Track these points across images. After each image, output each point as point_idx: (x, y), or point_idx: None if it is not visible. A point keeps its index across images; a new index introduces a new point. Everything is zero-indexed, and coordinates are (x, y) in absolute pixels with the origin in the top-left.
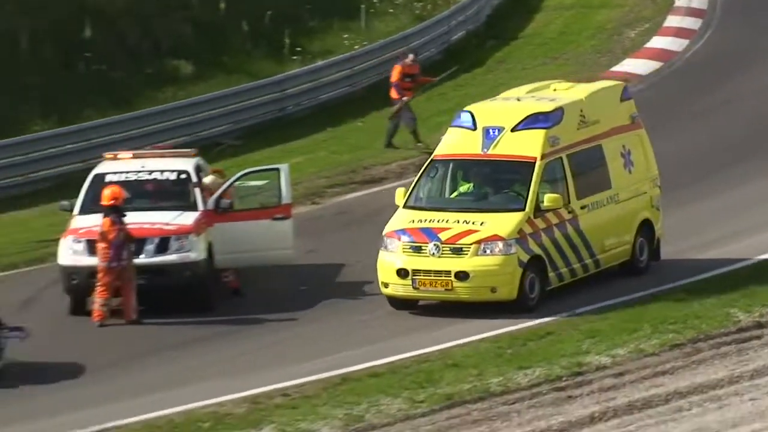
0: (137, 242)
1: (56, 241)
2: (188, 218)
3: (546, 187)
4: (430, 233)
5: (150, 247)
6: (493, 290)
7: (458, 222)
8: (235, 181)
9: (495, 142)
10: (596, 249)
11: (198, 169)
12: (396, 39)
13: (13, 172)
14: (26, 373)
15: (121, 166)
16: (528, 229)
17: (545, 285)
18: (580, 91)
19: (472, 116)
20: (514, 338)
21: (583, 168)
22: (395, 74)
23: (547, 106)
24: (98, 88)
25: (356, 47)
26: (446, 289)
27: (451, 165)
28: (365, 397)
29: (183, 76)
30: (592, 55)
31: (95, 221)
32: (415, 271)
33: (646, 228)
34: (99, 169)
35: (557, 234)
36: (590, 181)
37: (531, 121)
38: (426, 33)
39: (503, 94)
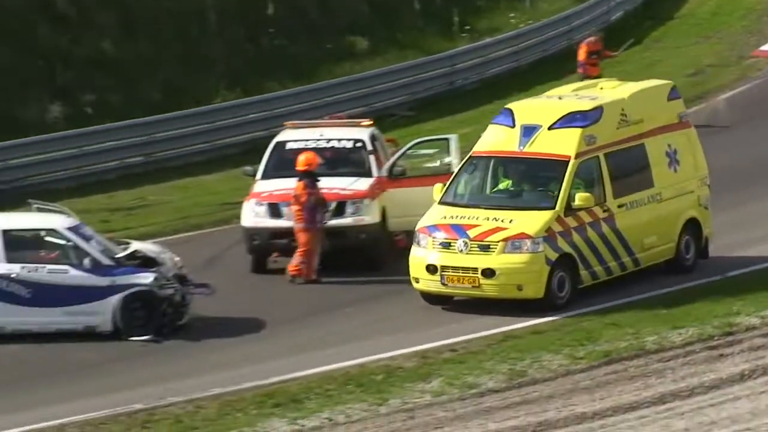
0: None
1: (239, 204)
2: (363, 184)
3: (581, 185)
4: (460, 230)
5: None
6: (520, 288)
7: (488, 219)
8: (408, 149)
9: (531, 140)
10: (635, 247)
11: (373, 138)
12: (558, 18)
13: (200, 139)
14: (209, 328)
15: (301, 134)
16: (557, 228)
17: (577, 283)
18: (624, 90)
19: (512, 114)
20: (667, 299)
21: (623, 167)
22: (582, 53)
23: (586, 105)
24: (280, 62)
25: (521, 26)
26: (473, 286)
27: (488, 162)
28: (528, 353)
29: (359, 51)
30: (743, 36)
31: (277, 185)
32: (444, 267)
33: (692, 227)
34: (281, 137)
35: (590, 232)
36: (630, 180)
37: (568, 120)
38: (587, 13)
39: (548, 93)
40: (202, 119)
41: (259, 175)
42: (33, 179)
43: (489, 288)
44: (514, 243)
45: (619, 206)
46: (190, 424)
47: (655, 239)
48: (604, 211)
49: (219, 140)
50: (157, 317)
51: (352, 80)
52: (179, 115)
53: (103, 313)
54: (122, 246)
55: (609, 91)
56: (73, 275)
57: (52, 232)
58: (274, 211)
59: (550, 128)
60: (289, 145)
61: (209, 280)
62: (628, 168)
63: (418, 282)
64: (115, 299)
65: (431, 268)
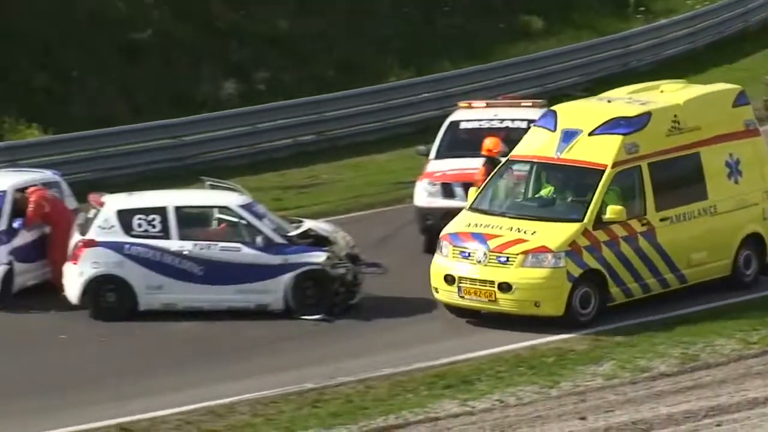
0: None
1: (412, 183)
2: None
3: (617, 196)
4: (481, 239)
5: None
6: (537, 304)
7: (512, 229)
8: None
9: (570, 145)
10: (679, 263)
11: None
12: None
13: (373, 118)
14: (381, 307)
15: (475, 114)
16: (583, 242)
17: (606, 300)
18: (683, 94)
19: (555, 116)
20: None
21: (670, 177)
22: None
23: (632, 110)
24: (454, 41)
25: (698, 7)
26: (489, 300)
27: (522, 167)
28: (701, 337)
29: (534, 30)
30: None
31: (450, 165)
32: (461, 279)
33: (754, 242)
34: (454, 117)
35: (624, 247)
36: (679, 192)
37: (611, 126)
38: None
39: (602, 94)
40: (375, 98)
41: (432, 154)
42: (206, 156)
43: (505, 303)
44: (533, 256)
45: (662, 219)
46: (360, 404)
47: (706, 255)
48: (643, 224)
49: (392, 119)
50: (329, 296)
51: (526, 60)
52: (352, 93)
53: (274, 291)
54: (294, 224)
55: (667, 95)
56: (245, 253)
57: (224, 209)
58: (448, 191)
59: (590, 134)
60: (462, 125)
61: (381, 259)
62: (677, 179)
63: (437, 292)
64: (287, 278)
65: (449, 279)
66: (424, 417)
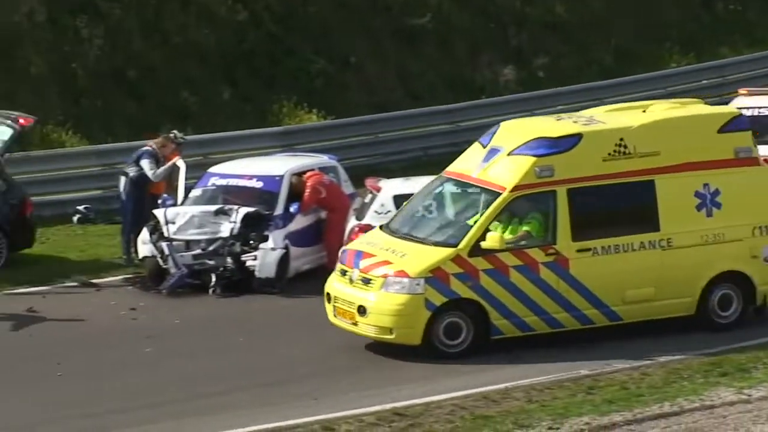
0: None
1: None
2: None
3: (519, 222)
4: (359, 258)
5: None
6: (391, 331)
7: (388, 250)
8: None
9: (488, 164)
10: (607, 299)
11: None
12: None
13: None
14: None
15: (754, 101)
16: (454, 269)
17: (489, 332)
18: (651, 116)
19: (494, 132)
20: None
21: (603, 206)
22: None
23: (560, 131)
24: (734, 27)
25: None
26: (352, 322)
27: (444, 184)
28: None
29: None
30: None
31: None
32: (336, 298)
33: (736, 281)
34: (734, 104)
35: (516, 277)
36: (615, 222)
37: (529, 146)
38: None
39: (582, 112)
40: (653, 84)
41: None
42: None
43: (364, 326)
44: (392, 281)
45: (581, 250)
46: (635, 391)
47: (652, 292)
48: (549, 254)
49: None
50: None
51: None
52: (630, 80)
53: None
54: None
55: (635, 116)
56: None
57: None
58: None
59: (509, 153)
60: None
61: None
62: (614, 207)
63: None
64: None
65: (328, 296)
66: (699, 404)
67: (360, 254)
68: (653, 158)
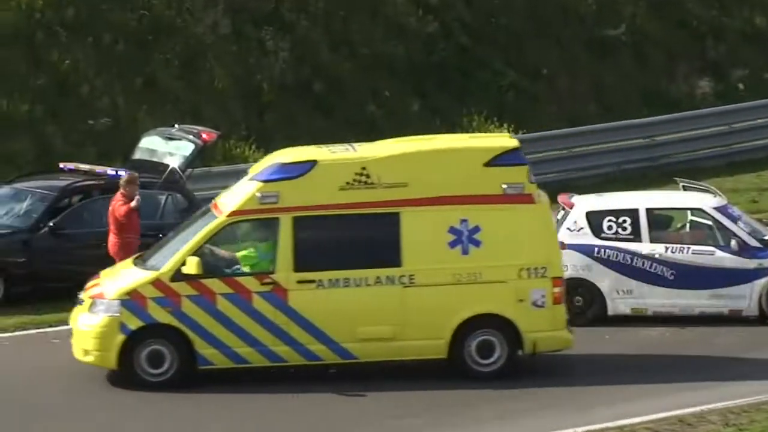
0: None
1: None
2: None
3: (235, 249)
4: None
5: None
6: (87, 353)
7: (113, 273)
8: None
9: (232, 189)
10: (336, 335)
11: None
12: None
13: None
14: None
15: None
16: (153, 293)
17: (196, 362)
18: (403, 147)
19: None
20: None
21: (335, 236)
22: None
23: (296, 157)
24: None
25: None
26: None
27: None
28: None
29: None
30: None
31: None
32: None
33: (501, 325)
34: None
35: (224, 305)
36: (348, 254)
37: (265, 172)
38: None
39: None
40: None
41: None
42: (680, 156)
43: (74, 350)
44: (96, 302)
45: (303, 281)
46: None
47: (389, 330)
48: (265, 284)
49: None
50: None
51: None
52: None
53: (749, 296)
54: None
55: (385, 147)
56: (719, 257)
57: (698, 211)
58: None
59: (251, 179)
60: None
61: None
62: (347, 238)
63: None
64: (762, 282)
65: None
66: None
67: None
68: (400, 189)
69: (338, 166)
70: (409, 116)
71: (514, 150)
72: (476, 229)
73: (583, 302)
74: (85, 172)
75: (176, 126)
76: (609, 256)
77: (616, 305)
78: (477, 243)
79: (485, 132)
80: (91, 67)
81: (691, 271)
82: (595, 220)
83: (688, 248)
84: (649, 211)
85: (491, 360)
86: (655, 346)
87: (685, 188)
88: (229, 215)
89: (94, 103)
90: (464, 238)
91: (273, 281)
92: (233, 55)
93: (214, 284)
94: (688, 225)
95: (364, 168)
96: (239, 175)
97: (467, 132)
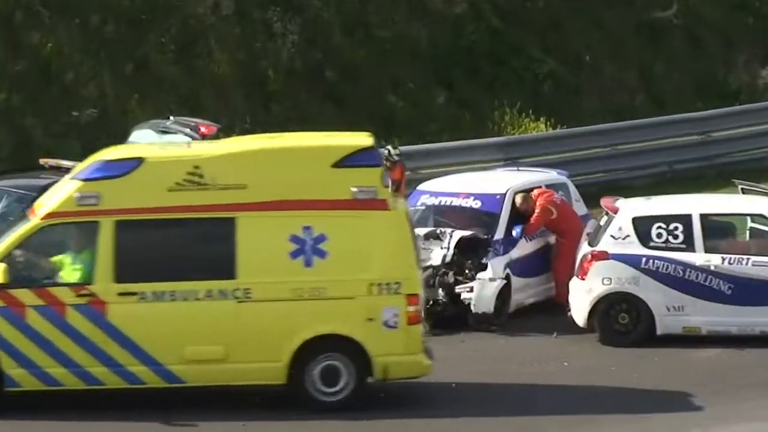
0: None
1: None
2: None
3: (59, 256)
4: None
5: None
6: None
7: None
8: None
9: (53, 189)
10: (159, 356)
11: None
12: None
13: None
14: None
15: None
16: None
17: (2, 383)
18: (242, 143)
19: None
20: None
21: (162, 243)
22: None
23: (121, 153)
24: None
25: None
26: None
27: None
28: None
29: None
30: None
31: None
32: None
33: (348, 348)
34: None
35: (35, 319)
36: (176, 263)
37: (85, 170)
38: None
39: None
40: None
41: None
42: (739, 155)
43: None
44: None
45: (125, 294)
46: None
47: (221, 351)
48: (81, 295)
49: None
50: None
51: None
52: None
53: None
54: None
55: (227, 143)
56: None
57: (759, 217)
58: None
59: (72, 177)
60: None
61: None
62: (177, 246)
63: None
64: None
65: None
66: None
67: None
68: (238, 192)
69: (168, 164)
70: (434, 109)
71: (367, 149)
72: (321, 238)
73: (628, 320)
74: (68, 170)
75: (171, 118)
76: (658, 267)
77: (667, 323)
78: (322, 254)
79: (519, 127)
80: (76, 51)
81: (752, 285)
82: (642, 226)
83: (748, 259)
84: (703, 216)
85: (337, 388)
86: (710, 370)
87: (744, 191)
88: (43, 218)
89: (80, 91)
90: (308, 248)
91: (90, 293)
92: (236, 38)
93: (24, 295)
94: (747, 233)
95: (197, 167)
96: None
97: (498, 127)
